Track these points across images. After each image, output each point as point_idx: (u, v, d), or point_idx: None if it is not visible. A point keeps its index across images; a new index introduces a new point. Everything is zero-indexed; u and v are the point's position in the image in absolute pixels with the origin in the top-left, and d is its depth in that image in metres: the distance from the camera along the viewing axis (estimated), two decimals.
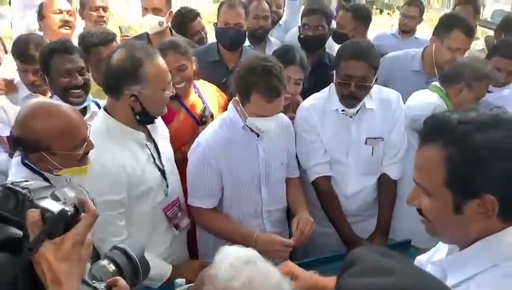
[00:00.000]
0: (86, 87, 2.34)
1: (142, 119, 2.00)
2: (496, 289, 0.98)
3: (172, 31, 3.28)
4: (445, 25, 2.90)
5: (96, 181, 1.80)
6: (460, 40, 2.81)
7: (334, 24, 3.46)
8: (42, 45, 2.52)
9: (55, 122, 1.62)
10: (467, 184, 1.02)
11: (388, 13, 13.11)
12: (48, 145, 1.61)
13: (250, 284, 0.96)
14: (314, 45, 3.14)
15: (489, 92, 2.93)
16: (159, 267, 2.03)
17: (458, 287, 1.05)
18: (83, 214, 0.88)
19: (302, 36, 3.17)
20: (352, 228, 2.41)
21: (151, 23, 3.08)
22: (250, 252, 1.02)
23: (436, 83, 2.58)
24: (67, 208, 0.84)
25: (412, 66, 3.04)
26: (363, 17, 3.58)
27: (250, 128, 2.14)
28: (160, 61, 1.97)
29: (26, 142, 1.63)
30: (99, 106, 2.34)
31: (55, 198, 0.87)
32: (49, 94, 2.47)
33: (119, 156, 1.93)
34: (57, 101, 2.03)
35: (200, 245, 2.40)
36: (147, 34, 3.18)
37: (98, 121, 2.01)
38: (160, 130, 2.19)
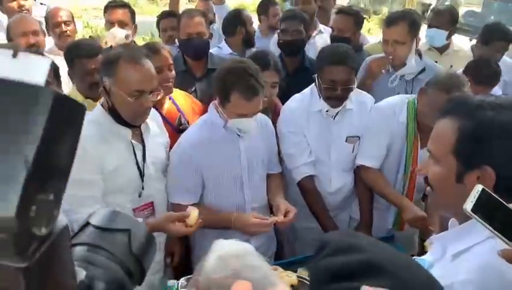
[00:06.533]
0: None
1: (114, 118, 2.00)
2: (489, 259, 1.04)
3: (137, 44, 3.30)
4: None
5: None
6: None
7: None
8: None
9: None
10: (471, 154, 1.11)
11: (365, 17, 13.25)
12: None
13: (234, 277, 0.93)
14: (294, 49, 3.20)
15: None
16: None
17: (456, 258, 1.14)
18: None
19: (281, 41, 3.22)
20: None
21: (117, 36, 3.07)
22: (242, 246, 1.03)
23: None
24: None
25: None
26: (360, 22, 3.51)
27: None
28: (140, 69, 1.95)
29: None
30: None
31: None
32: None
33: (102, 147, 1.95)
34: None
35: (195, 247, 2.42)
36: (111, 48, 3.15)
37: (92, 114, 2.01)
38: (157, 135, 2.20)
